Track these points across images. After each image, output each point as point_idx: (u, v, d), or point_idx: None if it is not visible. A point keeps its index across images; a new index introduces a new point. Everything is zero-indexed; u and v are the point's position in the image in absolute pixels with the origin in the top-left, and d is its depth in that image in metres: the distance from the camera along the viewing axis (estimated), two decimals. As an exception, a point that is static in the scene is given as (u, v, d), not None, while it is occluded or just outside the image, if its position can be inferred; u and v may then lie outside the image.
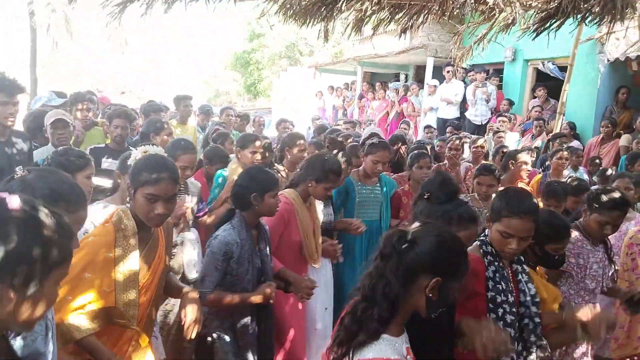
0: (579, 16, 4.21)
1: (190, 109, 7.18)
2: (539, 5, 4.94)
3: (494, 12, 5.24)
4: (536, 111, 9.21)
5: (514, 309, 2.33)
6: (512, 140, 8.57)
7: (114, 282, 2.14)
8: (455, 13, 5.06)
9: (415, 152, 5.13)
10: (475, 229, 2.42)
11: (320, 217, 3.77)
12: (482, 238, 2.45)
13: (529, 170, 5.26)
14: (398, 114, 12.19)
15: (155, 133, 4.77)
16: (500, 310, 2.30)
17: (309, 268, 3.50)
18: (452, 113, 10.62)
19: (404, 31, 5.73)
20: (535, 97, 9.92)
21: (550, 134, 7.93)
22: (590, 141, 8.24)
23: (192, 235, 3.58)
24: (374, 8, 4.99)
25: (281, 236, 3.30)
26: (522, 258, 2.49)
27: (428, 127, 9.17)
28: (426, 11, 5.24)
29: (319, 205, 3.77)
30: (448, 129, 8.86)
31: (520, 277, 2.45)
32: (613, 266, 3.22)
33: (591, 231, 3.11)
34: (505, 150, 5.77)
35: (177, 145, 3.73)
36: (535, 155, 6.43)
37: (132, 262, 2.19)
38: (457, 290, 1.70)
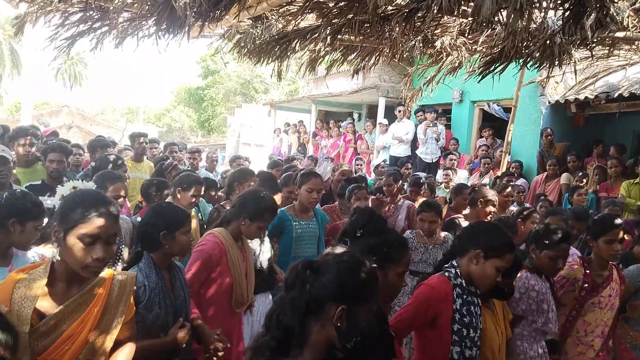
0: (520, 61, 4.40)
1: (145, 146, 6.97)
2: (484, 50, 5.31)
3: (442, 55, 5.51)
4: (483, 150, 9.48)
5: (475, 346, 2.38)
6: (461, 178, 8.77)
7: None
8: (405, 56, 5.21)
9: (354, 184, 5.19)
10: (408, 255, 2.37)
11: (268, 253, 3.67)
12: (450, 270, 2.50)
13: (493, 209, 5.15)
14: (353, 150, 12.39)
15: (113, 169, 4.55)
16: (463, 344, 2.35)
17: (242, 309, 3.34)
18: (404, 151, 10.82)
19: (356, 72, 5.89)
20: (482, 137, 10.26)
21: (498, 172, 8.18)
22: (536, 179, 8.49)
23: None
24: (327, 49, 5.11)
25: (210, 278, 3.11)
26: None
27: (378, 166, 9.16)
28: (377, 53, 5.43)
29: (258, 243, 3.64)
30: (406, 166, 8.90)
31: (476, 309, 2.50)
32: (556, 300, 3.30)
33: (543, 268, 3.19)
34: (474, 187, 5.74)
35: (104, 176, 3.64)
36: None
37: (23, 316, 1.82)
38: (369, 317, 1.64)
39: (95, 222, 1.88)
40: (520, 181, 8.33)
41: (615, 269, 3.48)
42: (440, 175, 8.84)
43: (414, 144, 10.84)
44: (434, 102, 10.45)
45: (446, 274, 2.49)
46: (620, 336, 3.56)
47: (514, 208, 6.06)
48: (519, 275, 3.12)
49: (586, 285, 3.28)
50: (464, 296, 2.41)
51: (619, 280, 3.42)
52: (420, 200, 6.30)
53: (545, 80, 8.41)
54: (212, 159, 8.35)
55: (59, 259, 1.92)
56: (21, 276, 1.89)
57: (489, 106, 10.05)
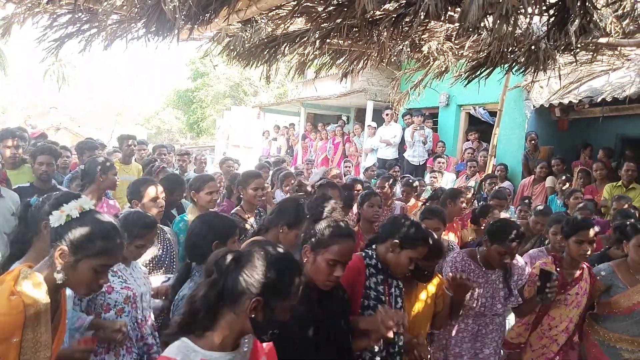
0: (506, 65, 4.49)
1: (133, 148, 6.92)
2: (470, 55, 5.34)
3: (429, 60, 5.57)
4: (469, 153, 9.53)
5: None
6: (448, 181, 8.87)
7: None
8: (392, 60, 5.26)
9: (366, 191, 5.18)
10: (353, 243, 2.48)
11: None
12: (367, 251, 2.80)
13: (463, 210, 5.36)
14: (341, 153, 12.42)
15: (102, 172, 4.48)
16: (367, 314, 2.62)
17: None
18: (391, 154, 10.84)
19: (344, 75, 5.92)
20: (468, 140, 10.29)
21: (483, 175, 8.25)
22: (523, 181, 8.52)
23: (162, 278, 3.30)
24: (316, 53, 5.13)
25: None
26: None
27: (370, 167, 9.23)
28: (365, 57, 5.46)
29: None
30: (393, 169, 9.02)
31: (392, 290, 2.78)
32: (509, 291, 3.43)
33: (491, 260, 3.35)
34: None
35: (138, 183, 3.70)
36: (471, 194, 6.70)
37: (43, 341, 1.81)
38: (287, 311, 1.66)
39: (112, 255, 1.91)
40: (506, 184, 8.42)
41: (588, 269, 3.58)
42: (427, 177, 8.91)
43: (401, 146, 10.87)
44: (421, 105, 10.44)
45: (363, 254, 2.78)
46: (589, 333, 3.65)
47: (504, 214, 6.10)
48: (455, 256, 3.42)
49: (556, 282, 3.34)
50: (378, 276, 2.70)
51: (589, 280, 3.53)
52: (412, 201, 6.43)
53: (530, 84, 8.66)
54: (201, 161, 8.31)
55: (62, 280, 1.88)
56: (12, 283, 1.83)
57: (475, 110, 10.10)
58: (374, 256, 2.76)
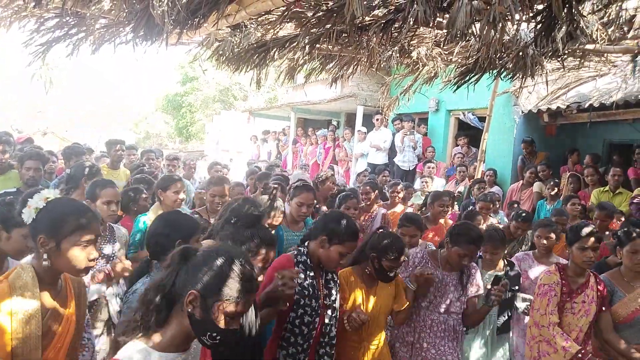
0: (494, 71, 4.51)
1: (121, 153, 6.81)
2: (459, 61, 5.40)
3: (418, 65, 5.64)
4: (458, 158, 9.52)
5: (314, 312, 2.81)
6: (438, 185, 8.78)
7: (11, 347, 1.88)
8: (382, 65, 5.26)
9: (344, 193, 5.18)
10: (273, 251, 2.67)
11: None
12: (300, 249, 2.90)
13: (444, 212, 5.53)
14: (331, 158, 12.39)
15: (88, 177, 4.45)
16: (300, 311, 2.78)
17: None
18: (381, 159, 10.79)
19: (334, 80, 5.94)
20: (457, 145, 10.27)
21: (472, 180, 8.24)
22: (512, 186, 8.48)
23: (115, 289, 3.28)
24: (305, 58, 5.15)
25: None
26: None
27: (363, 171, 9.14)
28: (355, 62, 5.49)
29: None
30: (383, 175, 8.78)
31: (330, 284, 2.94)
32: (464, 292, 3.46)
33: (450, 261, 3.43)
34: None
35: (95, 184, 3.64)
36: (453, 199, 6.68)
37: (33, 322, 1.93)
38: (234, 318, 1.63)
39: (89, 228, 2.00)
40: (495, 189, 8.38)
41: (594, 276, 3.49)
42: (418, 182, 8.87)
43: (392, 151, 10.83)
44: (411, 110, 10.44)
45: (295, 252, 2.90)
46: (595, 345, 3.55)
47: (493, 219, 6.14)
48: (417, 252, 3.53)
49: (564, 289, 3.34)
50: (307, 272, 2.81)
51: (595, 287, 3.42)
52: (399, 206, 6.38)
53: (518, 90, 8.45)
54: (190, 166, 8.20)
55: (48, 266, 1.98)
56: (6, 284, 1.94)
57: (464, 115, 10.09)
58: (305, 253, 2.86)
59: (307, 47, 4.36)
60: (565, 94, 8.31)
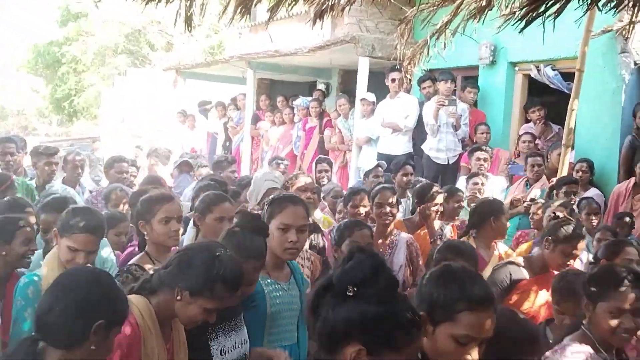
0: (588, -4, 3.98)
1: None
2: (529, -21, 4.77)
3: (460, -13, 5.01)
4: (529, 142, 7.56)
5: None
6: (496, 189, 6.91)
7: None
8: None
9: (350, 219, 4.55)
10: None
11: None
12: None
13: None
14: (317, 146, 9.91)
15: None
16: None
17: None
18: (402, 146, 8.49)
19: (319, 16, 5.06)
20: (528, 120, 8.32)
21: (554, 179, 6.49)
22: (618, 188, 6.64)
23: None
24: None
25: None
26: None
27: (377, 167, 7.01)
28: (355, -18, 4.94)
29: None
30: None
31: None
32: None
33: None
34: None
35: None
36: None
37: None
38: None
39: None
40: (591, 192, 6.54)
41: None
42: (462, 184, 6.94)
43: (418, 133, 8.78)
44: (450, 64, 8.38)
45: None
46: None
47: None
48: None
49: None
50: None
51: None
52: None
53: (627, 27, 6.71)
54: (75, 164, 6.32)
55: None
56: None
57: (538, 71, 8.13)
58: None
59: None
60: None
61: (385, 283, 1.84)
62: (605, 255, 3.87)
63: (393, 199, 4.73)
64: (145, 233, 3.27)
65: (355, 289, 1.78)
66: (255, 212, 4.38)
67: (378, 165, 7.15)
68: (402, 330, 1.75)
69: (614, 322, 2.49)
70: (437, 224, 5.29)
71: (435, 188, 5.08)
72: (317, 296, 1.89)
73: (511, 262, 3.81)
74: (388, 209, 4.62)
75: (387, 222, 4.66)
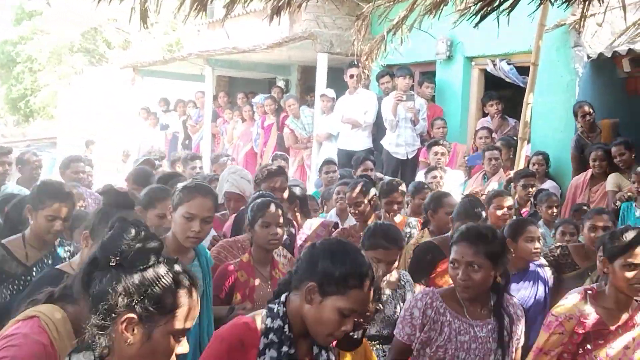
0: (541, -11, 4.06)
1: None
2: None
3: (416, -17, 5.08)
4: (486, 136, 7.54)
5: None
6: (454, 182, 6.86)
7: None
8: (356, -16, 3.90)
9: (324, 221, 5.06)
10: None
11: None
12: (271, 306, 2.27)
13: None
14: (275, 142, 9.76)
15: None
16: None
17: None
18: (361, 142, 8.41)
19: (277, 12, 5.00)
20: (485, 115, 8.32)
21: (511, 172, 6.59)
22: (575, 181, 6.78)
23: None
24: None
25: None
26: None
27: (327, 163, 6.90)
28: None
29: None
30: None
31: None
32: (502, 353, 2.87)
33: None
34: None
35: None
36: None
37: None
38: None
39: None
40: (548, 184, 6.62)
41: None
42: (422, 178, 6.84)
43: (377, 128, 8.71)
44: (408, 60, 8.51)
45: (263, 313, 2.32)
46: None
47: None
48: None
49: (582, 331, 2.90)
50: (281, 347, 2.18)
51: None
52: (398, 217, 5.18)
53: (580, 21, 6.74)
54: (32, 166, 6.16)
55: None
56: None
57: (494, 65, 8.26)
58: (280, 314, 2.22)
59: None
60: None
61: (147, 248, 1.90)
62: (509, 234, 4.15)
63: (363, 193, 4.73)
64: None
65: (117, 258, 1.84)
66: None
67: (331, 162, 7.09)
68: (168, 294, 1.81)
69: (630, 274, 2.85)
70: (398, 218, 5.28)
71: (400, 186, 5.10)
72: (86, 272, 1.91)
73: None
74: (362, 203, 4.65)
75: (357, 215, 4.69)
